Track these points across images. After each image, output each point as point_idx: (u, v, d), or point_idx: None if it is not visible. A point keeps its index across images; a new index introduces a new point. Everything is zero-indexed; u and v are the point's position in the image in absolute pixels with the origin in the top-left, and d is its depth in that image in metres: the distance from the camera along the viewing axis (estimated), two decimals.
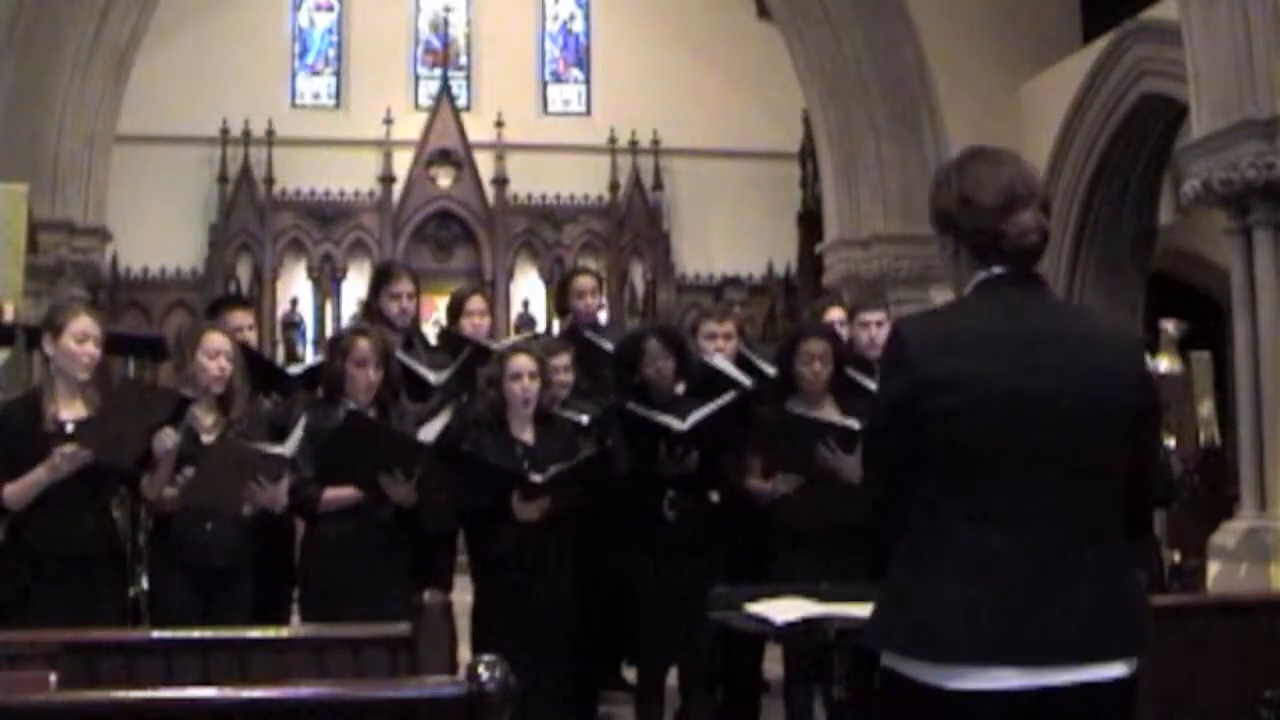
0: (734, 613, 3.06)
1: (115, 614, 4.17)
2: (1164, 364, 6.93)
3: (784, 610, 2.90)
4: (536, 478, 4.38)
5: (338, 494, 4.35)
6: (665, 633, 4.66)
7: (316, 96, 13.83)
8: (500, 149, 13.45)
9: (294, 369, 5.60)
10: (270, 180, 12.98)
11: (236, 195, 12.99)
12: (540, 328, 12.38)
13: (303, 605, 4.52)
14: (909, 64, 10.29)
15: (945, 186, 2.30)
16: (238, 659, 3.26)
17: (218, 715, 2.09)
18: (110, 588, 4.20)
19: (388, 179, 13.22)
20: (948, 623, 2.12)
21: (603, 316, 7.40)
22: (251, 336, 5.23)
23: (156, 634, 3.65)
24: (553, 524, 4.46)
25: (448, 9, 14.09)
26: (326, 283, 13.10)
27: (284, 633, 3.86)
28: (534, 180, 13.40)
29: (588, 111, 14.17)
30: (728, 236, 13.46)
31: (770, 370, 5.09)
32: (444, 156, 13.36)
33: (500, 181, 13.41)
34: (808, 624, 2.86)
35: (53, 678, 2.62)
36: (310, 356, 11.02)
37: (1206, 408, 7.84)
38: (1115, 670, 2.16)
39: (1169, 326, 7.15)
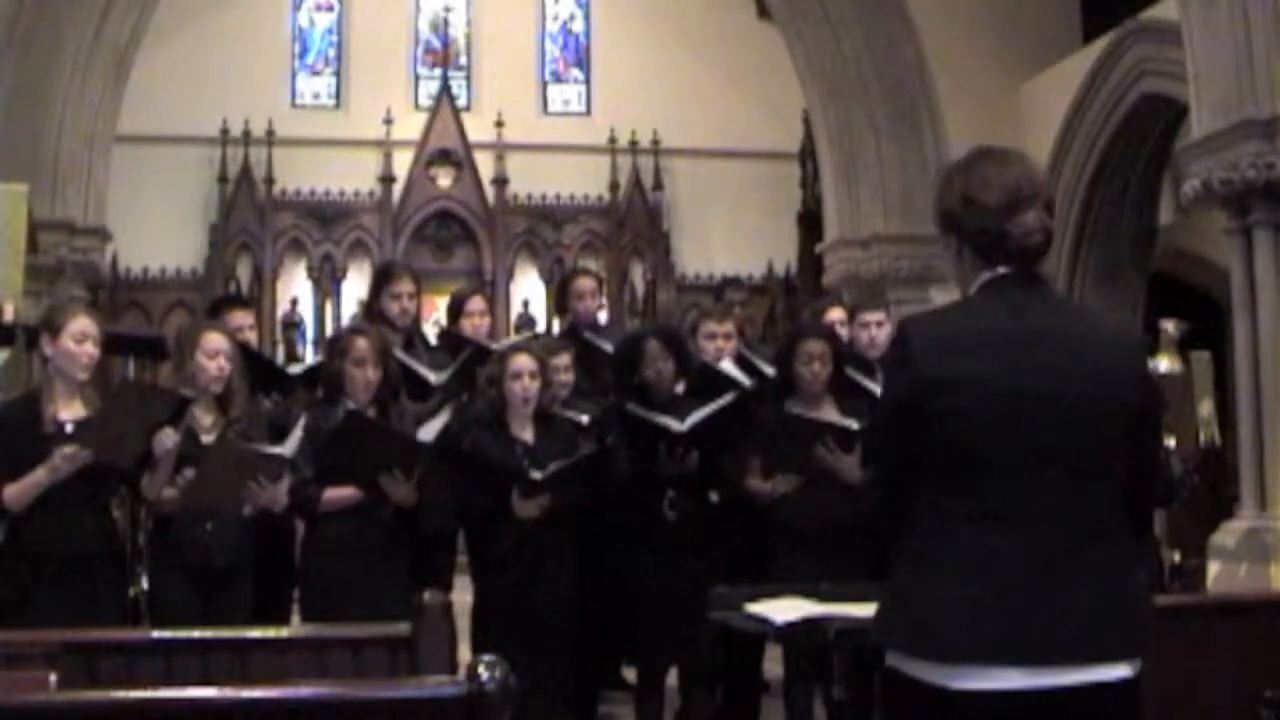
0: (734, 613, 3.06)
1: (115, 614, 4.17)
2: (1164, 364, 6.94)
3: (784, 610, 2.90)
4: (536, 475, 4.38)
5: (338, 494, 4.35)
6: (665, 633, 4.66)
7: (316, 96, 13.83)
8: (500, 149, 13.45)
9: (294, 369, 5.60)
10: (270, 180, 12.98)
11: (236, 195, 12.99)
12: (540, 328, 12.38)
13: (303, 605, 4.52)
14: (909, 64, 10.29)
15: (950, 186, 2.31)
16: (238, 659, 3.26)
17: (218, 715, 2.08)
18: (110, 588, 4.19)
19: (388, 179, 13.22)
20: (948, 623, 2.12)
21: (603, 317, 7.40)
22: (252, 336, 5.23)
23: (156, 634, 3.65)
24: (553, 524, 4.46)
25: (448, 9, 14.09)
26: (326, 283, 13.10)
27: (284, 633, 3.86)
28: (534, 180, 13.40)
29: (588, 111, 14.17)
30: (728, 236, 13.46)
31: (770, 370, 5.09)
32: (444, 156, 13.35)
33: (500, 181, 13.41)
34: (808, 624, 2.85)
35: (53, 678, 2.62)
36: (310, 356, 11.02)
37: (1206, 408, 7.84)
38: (1119, 671, 2.16)
39: (1169, 326, 7.16)
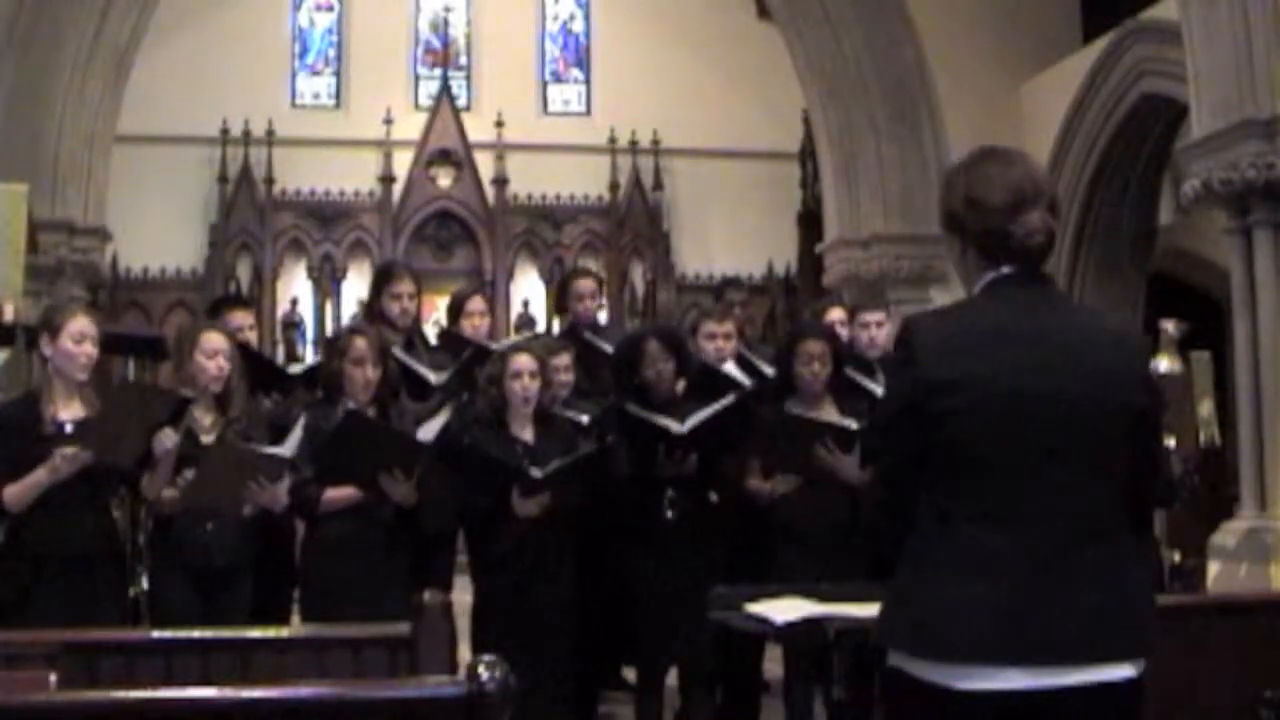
0: (734, 613, 3.06)
1: (115, 614, 4.16)
2: (1164, 364, 6.94)
3: (784, 610, 2.90)
4: (536, 472, 4.38)
5: (338, 494, 4.35)
6: (665, 633, 4.66)
7: (316, 96, 13.83)
8: (500, 149, 13.44)
9: (294, 369, 5.60)
10: (270, 180, 12.97)
11: (236, 195, 12.98)
12: (540, 328, 12.38)
13: (303, 605, 4.52)
14: (909, 64, 10.28)
15: (953, 187, 2.31)
16: (238, 659, 3.26)
17: (218, 715, 2.08)
18: (110, 588, 4.19)
19: (388, 179, 13.21)
20: (948, 622, 2.12)
21: (602, 317, 7.40)
22: (252, 336, 5.24)
23: (156, 634, 3.65)
24: (553, 524, 4.46)
25: (448, 9, 14.09)
26: (326, 283, 13.09)
27: (284, 633, 3.87)
28: (534, 180, 13.39)
29: (588, 111, 14.17)
30: (728, 236, 13.46)
31: (769, 371, 5.09)
32: (444, 156, 13.35)
33: (500, 181, 13.40)
34: (808, 624, 2.85)
35: (53, 678, 2.62)
36: (310, 356, 11.02)
37: (1206, 408, 7.83)
38: (1123, 671, 2.16)
39: (1169, 326, 7.16)
